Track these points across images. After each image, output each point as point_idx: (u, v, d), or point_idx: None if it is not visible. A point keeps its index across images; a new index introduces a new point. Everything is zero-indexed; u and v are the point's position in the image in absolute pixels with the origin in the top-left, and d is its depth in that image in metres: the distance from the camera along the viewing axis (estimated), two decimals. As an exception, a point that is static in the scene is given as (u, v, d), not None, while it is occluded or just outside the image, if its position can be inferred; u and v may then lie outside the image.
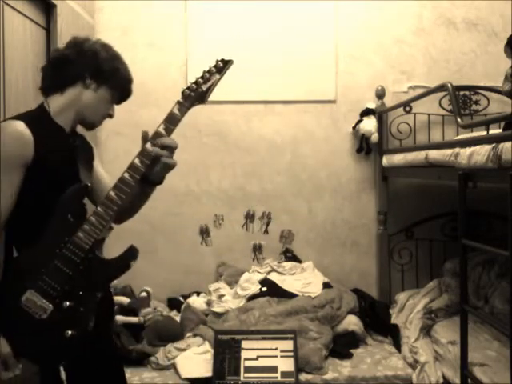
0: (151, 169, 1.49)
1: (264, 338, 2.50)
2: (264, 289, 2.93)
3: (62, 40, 2.63)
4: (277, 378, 2.37)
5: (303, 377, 2.43)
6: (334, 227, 3.39)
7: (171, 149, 1.48)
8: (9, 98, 2.19)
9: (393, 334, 2.84)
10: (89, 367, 1.60)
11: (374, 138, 3.24)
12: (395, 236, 3.32)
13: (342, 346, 2.68)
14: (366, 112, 3.26)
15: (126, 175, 1.46)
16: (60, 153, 1.53)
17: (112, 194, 1.45)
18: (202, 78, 1.52)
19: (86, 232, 1.45)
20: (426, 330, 2.75)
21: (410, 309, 2.94)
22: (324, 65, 3.33)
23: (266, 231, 3.36)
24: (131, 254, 1.49)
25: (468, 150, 2.07)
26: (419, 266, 3.35)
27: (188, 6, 3.30)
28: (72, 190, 1.49)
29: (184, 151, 3.34)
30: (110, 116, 1.65)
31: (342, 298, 2.90)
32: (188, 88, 1.50)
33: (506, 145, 1.80)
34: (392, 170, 3.16)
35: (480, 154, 1.97)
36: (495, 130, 2.12)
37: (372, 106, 3.27)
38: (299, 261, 3.26)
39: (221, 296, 2.95)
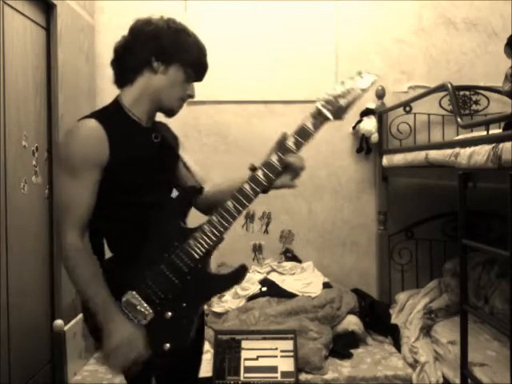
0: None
1: (264, 338, 2.50)
2: (264, 289, 2.93)
3: (62, 40, 2.64)
4: (277, 378, 2.37)
5: (303, 377, 2.43)
6: (334, 227, 3.39)
7: (298, 171, 1.36)
8: (9, 97, 2.19)
9: (393, 334, 2.84)
10: (179, 380, 1.53)
11: (374, 138, 3.24)
12: (395, 236, 3.32)
13: (342, 346, 2.68)
14: (366, 112, 3.26)
15: (247, 187, 1.36)
16: (138, 149, 1.44)
17: (230, 204, 1.35)
18: (341, 91, 1.43)
19: (197, 241, 1.36)
20: (426, 330, 2.75)
21: (409, 309, 2.94)
22: (324, 65, 3.33)
23: (266, 231, 3.36)
24: (242, 272, 1.41)
25: (468, 150, 2.07)
26: (419, 266, 3.35)
27: (188, 6, 3.30)
28: (183, 192, 1.43)
29: (184, 151, 3.36)
30: (190, 96, 1.53)
31: (341, 298, 2.90)
32: (326, 102, 1.42)
33: (506, 145, 1.80)
34: (392, 170, 3.16)
35: (480, 154, 1.97)
36: (495, 130, 2.12)
37: (372, 106, 3.27)
38: (299, 261, 3.26)
39: (221, 296, 2.95)
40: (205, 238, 1.36)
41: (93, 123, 1.37)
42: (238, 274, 1.41)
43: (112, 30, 3.28)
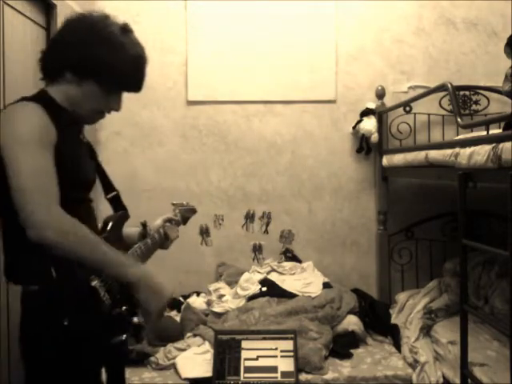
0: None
1: (264, 338, 2.50)
2: (264, 289, 2.93)
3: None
4: (277, 378, 2.37)
5: (303, 377, 2.43)
6: (334, 227, 3.39)
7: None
8: (9, 97, 2.18)
9: (393, 334, 2.84)
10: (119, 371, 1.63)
11: (374, 138, 3.24)
12: (395, 236, 3.32)
13: (342, 346, 2.68)
14: (366, 112, 3.26)
15: (157, 237, 1.72)
16: (74, 139, 1.43)
17: (149, 242, 1.65)
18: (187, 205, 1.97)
19: (137, 256, 1.54)
20: (426, 330, 2.75)
21: (410, 309, 2.94)
22: (324, 65, 3.33)
23: (266, 231, 3.36)
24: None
25: (468, 150, 2.07)
26: (419, 266, 3.35)
27: (188, 6, 3.30)
28: (117, 216, 1.56)
29: (184, 151, 3.36)
30: (114, 109, 1.46)
31: (342, 298, 2.90)
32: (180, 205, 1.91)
33: (506, 145, 1.80)
34: (392, 170, 3.16)
35: (480, 154, 1.97)
36: (495, 130, 2.12)
37: (372, 106, 3.27)
38: (299, 261, 3.26)
39: (221, 296, 2.95)
40: (138, 257, 1.55)
41: (36, 106, 1.31)
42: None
43: (112, 29, 3.28)
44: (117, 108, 1.46)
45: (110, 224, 1.52)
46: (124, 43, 1.38)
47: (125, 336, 1.43)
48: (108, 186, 1.58)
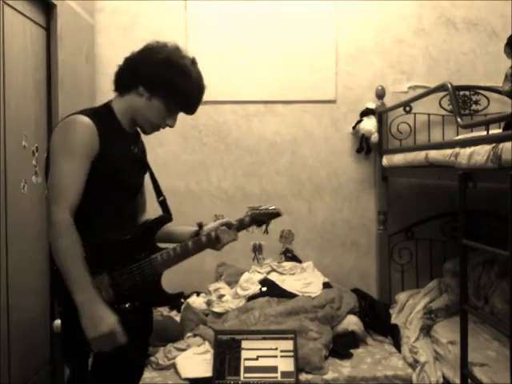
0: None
1: (264, 338, 2.50)
2: (264, 289, 2.92)
3: (62, 40, 2.64)
4: (277, 377, 2.37)
5: (303, 377, 2.43)
6: (334, 227, 3.39)
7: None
8: (9, 97, 2.19)
9: (393, 334, 2.84)
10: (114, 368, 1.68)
11: (374, 138, 3.24)
12: (395, 236, 3.32)
13: (342, 346, 2.68)
14: (366, 112, 3.26)
15: (203, 239, 1.78)
16: (121, 150, 1.65)
17: (190, 245, 1.74)
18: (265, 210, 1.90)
19: (163, 259, 1.67)
20: (426, 330, 2.75)
21: (409, 309, 2.94)
22: (324, 65, 3.33)
23: (266, 231, 3.34)
24: (177, 297, 1.83)
25: (468, 150, 2.07)
26: (419, 266, 3.35)
27: (188, 6, 3.30)
28: (158, 219, 1.74)
29: (184, 151, 3.36)
30: (169, 126, 1.71)
31: (342, 298, 2.89)
32: (255, 209, 1.87)
33: (506, 145, 1.80)
34: (392, 170, 3.16)
35: (480, 154, 1.96)
36: (495, 130, 2.12)
37: (372, 106, 3.27)
38: (299, 261, 3.26)
39: (221, 296, 2.95)
40: (169, 260, 1.69)
41: (87, 119, 1.54)
42: (174, 298, 1.80)
43: (112, 29, 3.28)
44: (172, 125, 1.71)
45: (143, 226, 1.73)
46: (193, 72, 1.65)
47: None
48: (157, 191, 1.80)
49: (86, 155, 1.52)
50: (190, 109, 1.70)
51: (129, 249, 1.63)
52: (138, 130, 1.76)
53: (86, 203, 1.55)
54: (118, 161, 1.61)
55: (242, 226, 1.89)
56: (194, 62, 1.68)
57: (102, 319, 1.47)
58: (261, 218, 1.94)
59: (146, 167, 1.80)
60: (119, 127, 1.65)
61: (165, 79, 1.60)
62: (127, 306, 1.58)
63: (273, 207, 1.92)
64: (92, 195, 1.55)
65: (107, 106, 1.67)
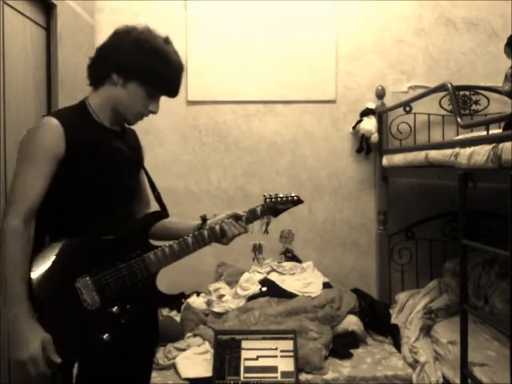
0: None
1: (264, 338, 2.50)
2: (264, 289, 2.93)
3: (62, 40, 2.64)
4: (277, 378, 2.37)
5: (303, 377, 2.43)
6: (334, 227, 3.39)
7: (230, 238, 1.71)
8: (9, 97, 2.18)
9: (393, 334, 2.84)
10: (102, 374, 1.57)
11: (374, 138, 3.24)
12: (395, 236, 3.32)
13: (342, 346, 2.68)
14: (366, 112, 3.26)
15: (206, 234, 1.64)
16: (97, 148, 1.55)
17: (189, 240, 1.60)
18: (282, 198, 1.83)
19: (157, 257, 1.54)
20: (426, 330, 2.75)
21: (409, 309, 2.94)
22: (324, 65, 3.33)
23: (266, 231, 3.34)
24: (178, 298, 1.69)
25: (468, 150, 2.07)
26: (419, 266, 3.35)
27: (188, 6, 3.30)
28: (149, 216, 1.64)
29: (184, 151, 3.36)
30: (152, 112, 1.61)
31: (341, 298, 2.89)
32: (270, 197, 1.80)
33: (506, 145, 1.80)
34: (392, 170, 3.16)
35: (480, 154, 1.97)
36: (495, 130, 2.12)
37: (372, 106, 3.27)
38: (299, 261, 3.26)
39: (221, 296, 2.95)
40: (164, 258, 1.56)
41: (52, 121, 1.48)
42: (174, 299, 1.68)
43: (112, 29, 3.27)
44: (155, 111, 1.61)
45: (130, 225, 1.62)
46: (167, 51, 1.55)
47: (107, 335, 1.46)
48: (152, 187, 1.71)
49: (47, 159, 1.46)
50: (171, 90, 1.60)
51: (114, 249, 1.53)
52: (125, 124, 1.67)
53: (71, 204, 1.50)
54: (95, 158, 1.53)
55: (254, 216, 1.81)
56: (167, 40, 1.58)
57: (27, 342, 1.37)
58: (278, 207, 1.86)
59: (138, 164, 1.71)
60: (95, 123, 1.56)
61: (137, 62, 1.51)
62: (114, 310, 1.48)
63: (293, 194, 1.87)
64: (77, 196, 1.50)
65: (82, 103, 1.60)
